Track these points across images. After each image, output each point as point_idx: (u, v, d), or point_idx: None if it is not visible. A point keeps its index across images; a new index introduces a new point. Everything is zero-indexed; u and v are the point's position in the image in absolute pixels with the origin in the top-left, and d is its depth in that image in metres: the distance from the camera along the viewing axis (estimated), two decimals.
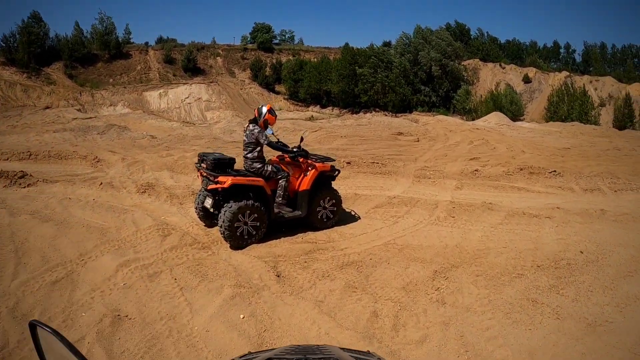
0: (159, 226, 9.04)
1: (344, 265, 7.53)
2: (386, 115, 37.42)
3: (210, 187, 8.34)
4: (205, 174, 8.53)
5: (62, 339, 1.67)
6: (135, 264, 7.40)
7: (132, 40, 58.32)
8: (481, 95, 42.13)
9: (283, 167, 9.10)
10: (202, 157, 8.80)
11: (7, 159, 17.21)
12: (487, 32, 68.88)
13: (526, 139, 24.83)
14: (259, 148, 8.74)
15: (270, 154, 9.25)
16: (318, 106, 49.19)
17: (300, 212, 8.96)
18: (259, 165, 8.70)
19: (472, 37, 64.84)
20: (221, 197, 8.30)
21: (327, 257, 7.87)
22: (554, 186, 13.56)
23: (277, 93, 53.80)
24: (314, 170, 9.12)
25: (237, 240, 8.16)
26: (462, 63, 49.24)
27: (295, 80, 51.18)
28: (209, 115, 43.84)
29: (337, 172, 9.61)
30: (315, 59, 54.89)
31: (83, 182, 12.48)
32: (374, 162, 15.23)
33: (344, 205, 10.05)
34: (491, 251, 8.02)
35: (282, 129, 25.83)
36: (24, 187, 12.60)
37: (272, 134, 8.98)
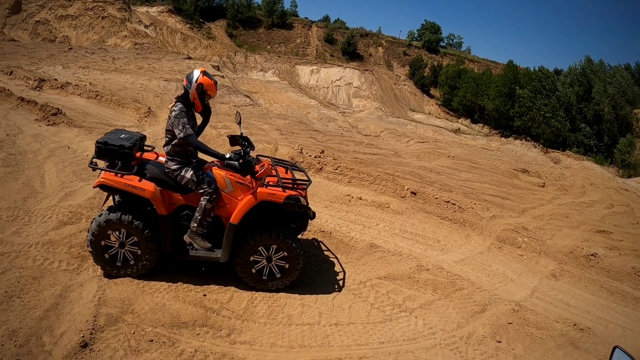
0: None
1: None
2: (535, 147, 32.25)
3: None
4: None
5: None
6: None
7: (297, 13, 57.35)
8: None
9: (220, 178, 5.73)
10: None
11: (80, 95, 17.02)
12: None
13: None
14: (175, 140, 5.52)
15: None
16: (469, 120, 43.52)
17: (218, 255, 5.74)
18: (174, 167, 5.62)
19: None
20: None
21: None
22: None
23: (431, 97, 48.82)
24: (250, 197, 5.66)
25: (106, 264, 5.72)
26: (635, 111, 41.52)
27: (451, 87, 45.98)
28: (355, 102, 40.61)
29: (303, 208, 5.81)
30: (479, 70, 49.53)
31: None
32: (448, 202, 10.50)
33: (338, 256, 7.26)
34: None
35: (423, 138, 22.22)
36: (49, 125, 12.27)
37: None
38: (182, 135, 5.37)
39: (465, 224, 9.80)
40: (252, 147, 6.15)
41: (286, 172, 6.48)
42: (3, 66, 19.55)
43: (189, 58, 33.38)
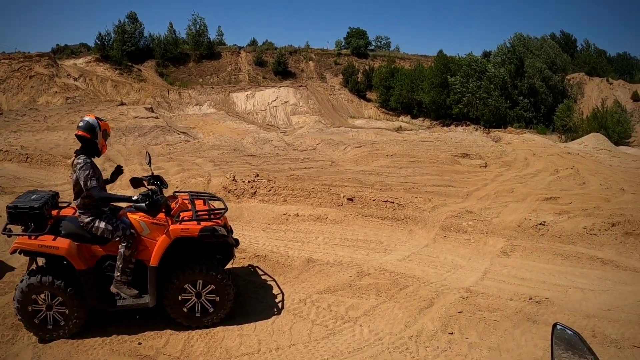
0: None
1: None
2: (477, 130, 32.61)
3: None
4: None
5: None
6: None
7: (224, 41, 56.80)
8: (584, 113, 34.91)
9: (136, 222, 5.56)
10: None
11: (11, 160, 16.39)
12: (595, 45, 59.62)
13: (629, 171, 18.04)
14: (83, 192, 5.40)
15: None
16: (409, 116, 43.88)
17: (146, 301, 5.52)
18: (87, 219, 5.44)
19: (577, 49, 56.45)
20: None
21: None
22: None
23: (368, 100, 48.82)
24: (164, 236, 5.48)
25: (37, 330, 5.50)
26: (567, 77, 42.33)
27: (386, 87, 46.04)
28: (294, 119, 40.36)
29: (221, 237, 5.62)
30: (410, 67, 49.89)
31: None
32: (387, 201, 10.18)
33: (275, 278, 6.95)
34: None
35: (360, 142, 22.25)
36: None
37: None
38: (86, 187, 5.24)
39: (407, 220, 9.53)
40: (165, 186, 6.01)
41: (204, 204, 6.25)
42: None
43: (122, 104, 32.86)
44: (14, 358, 5.23)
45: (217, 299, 5.67)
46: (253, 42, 61.37)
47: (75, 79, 41.33)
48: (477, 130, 32.74)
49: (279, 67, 50.56)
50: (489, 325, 5.56)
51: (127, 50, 47.59)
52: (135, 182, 5.99)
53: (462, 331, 5.43)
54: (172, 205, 5.81)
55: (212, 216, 5.66)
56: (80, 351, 5.29)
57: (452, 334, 5.37)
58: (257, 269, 7.30)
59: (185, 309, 5.63)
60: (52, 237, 5.32)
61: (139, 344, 5.38)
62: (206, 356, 5.20)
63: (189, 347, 5.36)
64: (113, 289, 5.47)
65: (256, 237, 8.70)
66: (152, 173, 6.14)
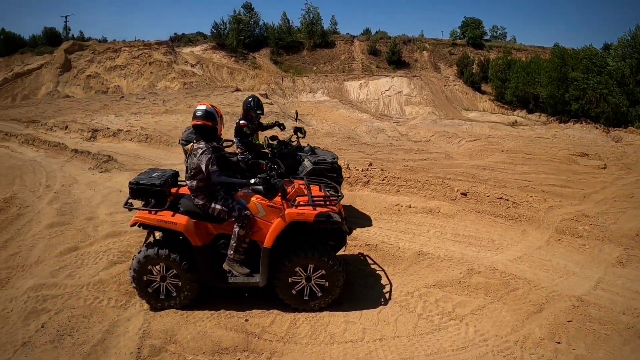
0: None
1: None
2: (596, 129, 30.89)
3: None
4: None
5: None
6: None
7: (338, 30, 56.84)
8: None
9: (252, 204, 5.77)
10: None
11: (131, 140, 17.70)
12: None
13: None
14: (200, 175, 5.64)
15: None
16: (525, 111, 41.70)
17: (256, 280, 5.73)
18: (202, 202, 5.74)
19: None
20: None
21: None
22: None
23: (483, 93, 47.24)
24: (280, 219, 5.64)
25: (150, 299, 5.84)
26: None
27: (502, 80, 44.11)
28: (407, 109, 40.19)
29: (336, 224, 5.72)
30: (527, 59, 47.16)
31: None
32: (501, 198, 10.00)
33: (385, 268, 7.04)
34: None
35: (474, 135, 21.64)
36: (101, 172, 12.88)
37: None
38: (207, 172, 5.48)
39: (521, 219, 9.29)
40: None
41: (320, 190, 6.40)
42: (59, 122, 20.33)
43: (237, 90, 33.90)
44: (125, 322, 5.57)
45: (327, 284, 5.79)
46: (366, 31, 60.91)
47: (192, 66, 43.41)
48: (596, 128, 30.90)
49: (392, 56, 50.03)
50: (598, 338, 5.33)
51: (242, 40, 48.97)
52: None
53: (569, 341, 5.25)
54: (289, 189, 5.98)
55: (328, 202, 5.76)
56: (189, 322, 5.55)
57: (559, 343, 5.21)
58: (367, 257, 7.40)
59: (294, 291, 5.80)
60: (171, 213, 5.65)
61: (246, 320, 5.59)
62: (310, 339, 5.32)
63: (294, 328, 5.52)
64: (225, 266, 5.76)
65: (367, 226, 8.80)
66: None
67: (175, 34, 60.57)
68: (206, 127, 5.67)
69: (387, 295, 6.24)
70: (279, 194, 5.69)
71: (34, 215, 9.48)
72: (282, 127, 9.26)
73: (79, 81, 41.36)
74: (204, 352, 4.98)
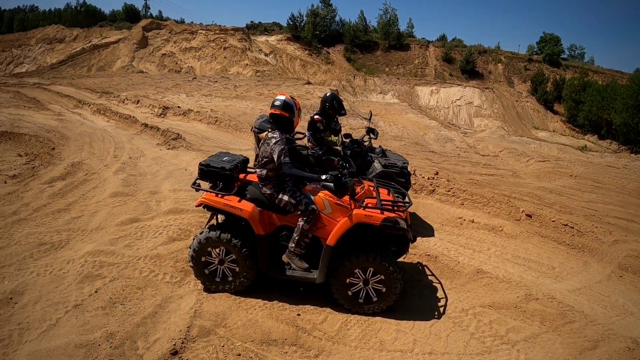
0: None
1: None
2: None
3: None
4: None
5: None
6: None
7: (413, 34, 56.50)
8: None
9: (319, 199, 5.82)
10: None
11: (200, 120, 18.04)
12: None
13: None
14: (271, 165, 5.72)
15: None
16: (596, 136, 40.31)
17: (314, 276, 5.76)
18: (269, 191, 5.83)
19: None
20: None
21: None
22: None
23: (555, 113, 45.72)
24: (346, 219, 5.62)
25: (205, 280, 5.98)
26: None
27: (576, 101, 42.59)
28: (476, 121, 39.62)
29: (402, 230, 5.61)
30: (603, 82, 45.70)
31: None
32: (567, 225, 9.83)
33: (442, 281, 7.01)
34: None
35: (543, 156, 21.23)
36: (169, 149, 13.31)
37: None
38: (279, 162, 5.51)
39: (584, 250, 9.06)
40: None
41: (388, 194, 6.40)
42: (131, 96, 21.11)
43: (309, 83, 34.24)
44: (178, 299, 5.73)
45: (384, 289, 5.75)
46: (442, 38, 60.79)
47: (266, 55, 44.23)
48: None
49: (466, 65, 49.54)
50: None
51: (318, 34, 49.37)
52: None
53: None
54: (358, 189, 5.99)
55: (396, 208, 5.67)
56: (241, 308, 5.63)
57: None
58: (426, 268, 7.38)
59: (350, 292, 5.78)
60: (238, 199, 5.71)
61: (298, 315, 5.63)
62: (360, 342, 5.30)
63: (345, 329, 5.51)
64: (285, 258, 5.80)
65: (429, 236, 8.78)
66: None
67: (252, 21, 61.89)
68: (283, 118, 5.76)
69: (441, 310, 6.20)
70: (348, 193, 5.65)
71: (99, 182, 9.95)
72: (375, 133, 9.36)
73: (154, 58, 42.72)
74: (252, 341, 5.06)
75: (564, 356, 5.47)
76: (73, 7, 66.31)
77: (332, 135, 8.80)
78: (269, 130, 5.84)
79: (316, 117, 8.54)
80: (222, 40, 44.61)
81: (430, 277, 7.15)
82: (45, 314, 5.17)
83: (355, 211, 5.59)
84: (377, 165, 8.56)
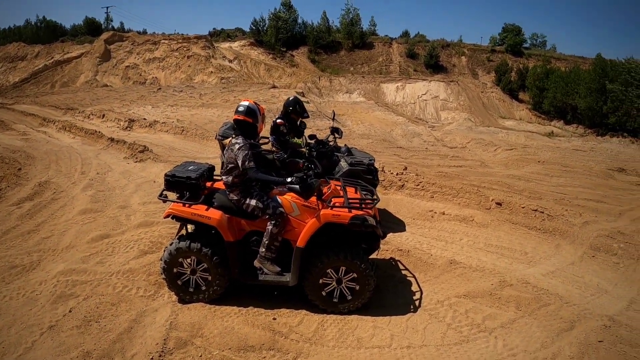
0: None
1: None
2: (633, 143, 30.17)
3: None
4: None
5: None
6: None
7: (376, 32, 57.10)
8: None
9: (287, 202, 5.79)
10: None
11: (167, 131, 17.98)
12: None
13: None
14: (236, 171, 5.67)
15: None
16: (562, 121, 40.80)
17: (287, 279, 5.73)
18: (236, 197, 5.77)
19: None
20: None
21: None
22: None
23: (520, 101, 46.24)
24: (314, 219, 5.61)
25: (179, 291, 5.91)
26: None
27: (540, 89, 43.19)
28: (443, 114, 39.67)
29: (371, 227, 5.59)
30: (566, 69, 45.95)
31: None
32: (536, 211, 9.87)
33: (416, 275, 6.99)
34: None
35: (510, 144, 21.47)
36: (136, 162, 13.19)
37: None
38: (243, 167, 5.47)
39: (555, 233, 9.13)
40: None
41: (356, 192, 6.36)
42: (96, 110, 20.85)
43: (274, 87, 34.15)
44: (153, 312, 5.64)
45: (357, 287, 5.72)
46: (405, 34, 61.36)
47: (230, 61, 44.01)
48: (633, 143, 30.25)
49: (430, 60, 49.90)
50: None
51: (281, 37, 49.28)
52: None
53: None
54: (325, 190, 5.98)
55: (364, 205, 5.67)
56: (216, 316, 5.59)
57: None
58: (398, 263, 7.37)
59: (323, 293, 5.75)
60: (205, 207, 5.64)
61: (274, 319, 5.60)
62: (337, 342, 5.29)
63: (322, 330, 5.50)
64: (257, 263, 5.73)
65: (400, 231, 8.78)
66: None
67: (214, 28, 61.66)
68: (246, 123, 5.70)
69: (417, 303, 6.19)
70: (315, 194, 5.64)
71: (67, 200, 9.79)
72: (339, 133, 9.35)
73: (117, 71, 42.25)
74: (229, 348, 5.02)
75: (542, 339, 5.49)
76: (33, 23, 65.16)
77: (296, 138, 8.69)
78: (232, 136, 5.78)
79: (279, 121, 8.46)
80: (185, 49, 44.34)
81: (404, 272, 7.14)
82: (20, 338, 5.08)
83: (322, 211, 5.56)
84: (343, 164, 8.51)
